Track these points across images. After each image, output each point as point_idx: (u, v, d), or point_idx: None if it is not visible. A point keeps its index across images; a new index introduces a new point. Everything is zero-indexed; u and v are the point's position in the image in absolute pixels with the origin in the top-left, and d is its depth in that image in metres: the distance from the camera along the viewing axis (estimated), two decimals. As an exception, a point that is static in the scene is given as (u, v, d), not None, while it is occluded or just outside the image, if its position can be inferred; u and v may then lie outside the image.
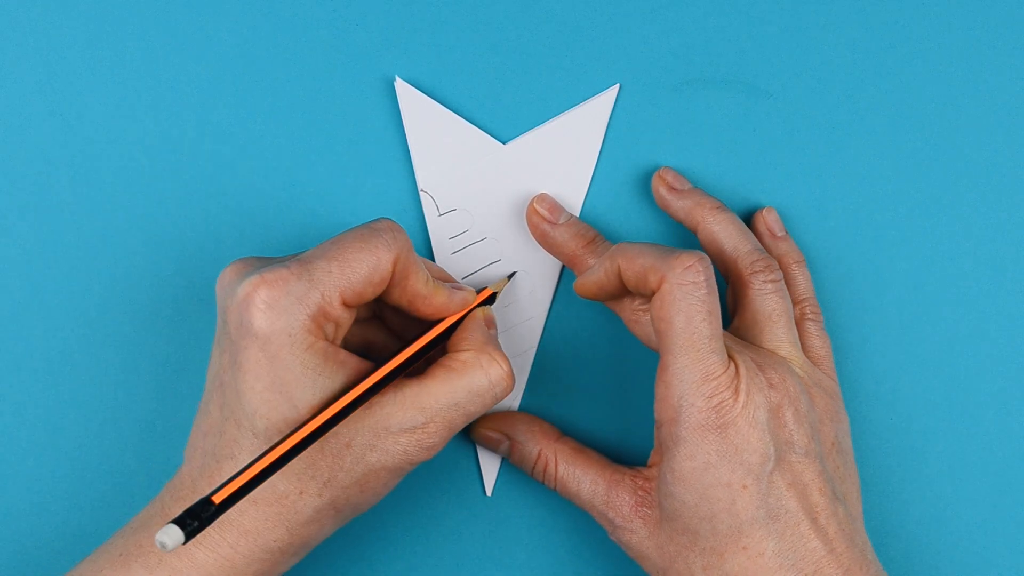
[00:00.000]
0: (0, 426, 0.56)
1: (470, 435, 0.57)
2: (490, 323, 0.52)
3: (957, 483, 0.58)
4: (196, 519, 0.41)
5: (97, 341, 0.56)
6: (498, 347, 0.51)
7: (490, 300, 0.54)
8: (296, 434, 0.45)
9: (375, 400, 0.48)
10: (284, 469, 0.47)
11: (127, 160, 0.56)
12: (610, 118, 0.57)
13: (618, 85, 0.57)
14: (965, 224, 0.58)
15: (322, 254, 0.48)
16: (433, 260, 0.57)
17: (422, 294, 0.50)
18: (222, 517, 0.46)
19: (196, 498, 0.47)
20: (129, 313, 0.57)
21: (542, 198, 0.56)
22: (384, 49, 0.57)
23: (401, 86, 0.56)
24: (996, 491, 0.58)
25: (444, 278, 0.53)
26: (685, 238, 0.58)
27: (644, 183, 0.58)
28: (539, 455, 0.54)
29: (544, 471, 0.54)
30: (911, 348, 0.58)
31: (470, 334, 0.51)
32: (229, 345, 0.47)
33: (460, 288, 0.52)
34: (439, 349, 0.52)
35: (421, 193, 0.56)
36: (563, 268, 0.57)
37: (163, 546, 0.40)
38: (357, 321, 0.53)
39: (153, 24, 0.56)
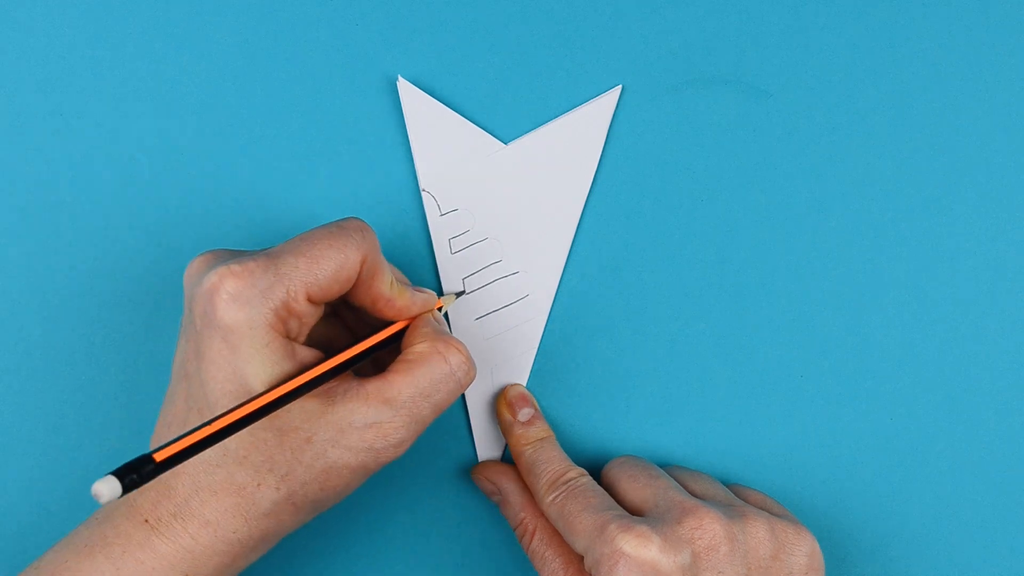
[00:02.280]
0: (0, 426, 0.56)
1: (470, 474, 0.58)
2: (440, 322, 0.53)
3: (957, 483, 0.58)
4: (135, 473, 0.41)
5: (97, 340, 0.56)
6: (452, 336, 0.51)
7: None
8: (241, 408, 0.45)
9: (338, 397, 0.48)
10: (243, 461, 0.47)
11: (127, 160, 0.56)
12: (612, 119, 0.57)
13: (620, 86, 0.57)
14: (965, 224, 0.58)
15: (291, 249, 0.48)
16: (434, 260, 0.57)
17: (386, 296, 0.51)
18: (185, 508, 0.47)
19: (164, 489, 0.48)
20: (130, 312, 0.56)
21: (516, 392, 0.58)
22: (386, 49, 0.57)
23: (403, 85, 0.56)
24: (996, 491, 0.58)
25: (404, 282, 0.54)
26: (686, 243, 0.58)
27: (646, 184, 0.58)
28: (521, 522, 0.55)
29: (522, 537, 0.55)
30: (911, 348, 0.58)
31: (422, 329, 0.51)
32: (194, 335, 0.48)
33: (421, 291, 0.52)
34: (392, 352, 0.52)
35: (423, 193, 0.56)
36: (564, 269, 0.57)
37: (99, 496, 0.40)
38: (320, 317, 0.53)
39: (153, 24, 0.56)
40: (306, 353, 0.48)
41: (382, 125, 0.57)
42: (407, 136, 0.56)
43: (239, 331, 0.46)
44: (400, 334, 0.52)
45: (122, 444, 0.57)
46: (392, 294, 0.51)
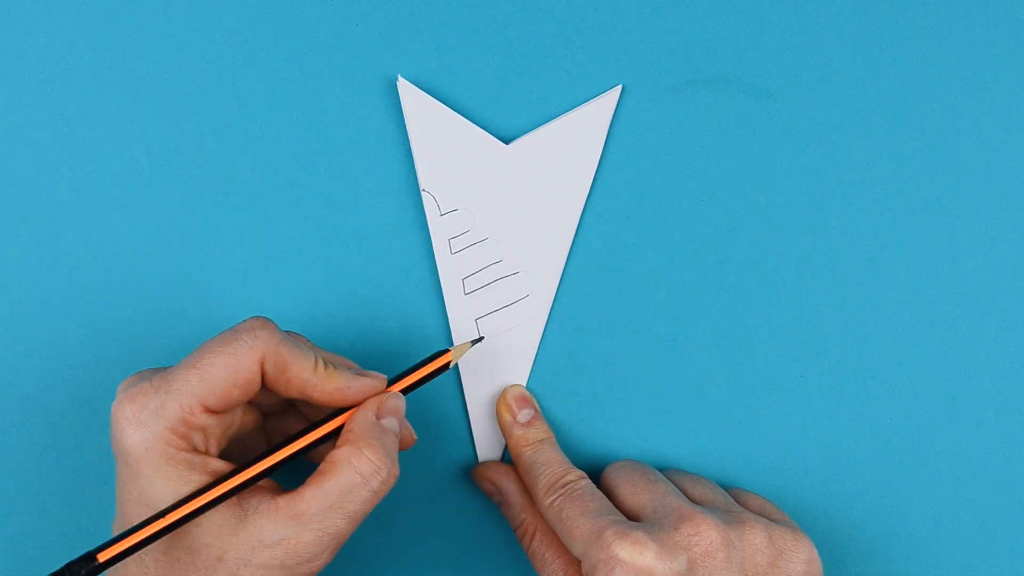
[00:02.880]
0: (0, 426, 0.56)
1: (470, 474, 0.58)
2: (385, 412, 0.50)
3: (957, 483, 0.58)
4: (74, 574, 0.44)
5: (98, 340, 0.56)
6: (376, 438, 0.48)
7: (441, 369, 0.52)
8: (183, 507, 0.46)
9: (249, 513, 0.47)
10: None
11: (128, 159, 0.56)
12: (612, 119, 0.57)
13: (620, 86, 0.57)
14: (965, 224, 0.58)
15: (185, 364, 0.48)
16: (434, 260, 0.57)
17: (311, 383, 0.49)
18: None
19: None
20: (130, 312, 0.56)
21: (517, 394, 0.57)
22: (386, 48, 0.57)
23: (404, 85, 0.56)
24: (996, 491, 0.58)
25: (345, 366, 0.51)
26: (686, 243, 0.58)
27: (646, 184, 0.58)
28: (522, 523, 0.55)
29: (522, 538, 0.55)
30: (911, 348, 0.58)
31: (351, 426, 0.49)
32: (115, 459, 0.48)
33: (365, 375, 0.50)
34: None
35: (423, 193, 0.56)
36: (564, 269, 0.57)
37: None
38: (273, 415, 0.53)
39: (153, 24, 0.56)
40: (217, 464, 0.48)
41: (382, 125, 0.57)
42: (407, 136, 0.56)
43: (136, 454, 0.47)
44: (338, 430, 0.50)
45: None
46: (319, 379, 0.49)
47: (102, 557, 0.45)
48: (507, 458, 0.58)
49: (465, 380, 0.57)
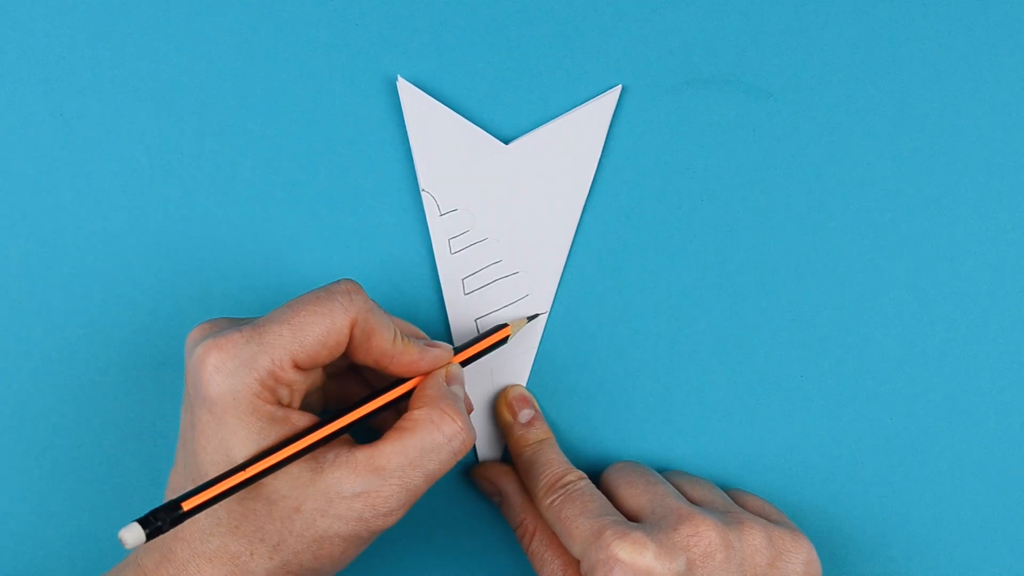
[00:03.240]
0: (0, 426, 0.56)
1: (470, 474, 0.58)
2: (452, 379, 0.52)
3: (957, 483, 0.58)
4: (160, 520, 0.43)
5: (97, 340, 0.56)
6: (454, 402, 0.50)
7: (499, 343, 0.54)
8: (266, 459, 0.46)
9: (327, 465, 0.48)
10: (235, 530, 0.47)
11: (128, 160, 0.56)
12: (612, 119, 0.57)
13: (620, 86, 0.57)
14: (965, 224, 0.58)
15: (276, 318, 0.48)
16: (434, 260, 0.57)
17: (389, 353, 0.50)
18: (183, 573, 0.48)
19: (166, 552, 0.48)
20: (130, 312, 0.56)
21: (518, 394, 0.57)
22: (386, 48, 0.57)
23: (403, 85, 0.56)
24: (996, 491, 0.58)
25: (416, 336, 0.53)
26: (686, 243, 0.58)
27: (646, 184, 0.58)
28: (521, 522, 0.55)
29: (521, 538, 0.55)
30: (911, 348, 0.58)
31: (426, 391, 0.50)
32: (189, 405, 0.48)
33: (434, 345, 0.52)
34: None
35: (422, 193, 0.56)
36: (564, 269, 0.57)
37: (123, 542, 0.42)
38: (335, 376, 0.54)
39: (153, 24, 0.56)
40: (297, 417, 0.48)
41: (381, 125, 0.57)
42: (407, 136, 0.56)
43: (223, 403, 0.47)
44: (409, 393, 0.51)
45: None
46: (396, 350, 0.50)
47: (186, 506, 0.45)
48: (507, 458, 0.58)
49: (465, 380, 0.57)
